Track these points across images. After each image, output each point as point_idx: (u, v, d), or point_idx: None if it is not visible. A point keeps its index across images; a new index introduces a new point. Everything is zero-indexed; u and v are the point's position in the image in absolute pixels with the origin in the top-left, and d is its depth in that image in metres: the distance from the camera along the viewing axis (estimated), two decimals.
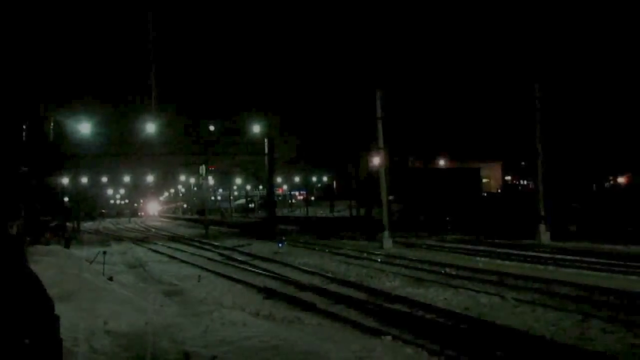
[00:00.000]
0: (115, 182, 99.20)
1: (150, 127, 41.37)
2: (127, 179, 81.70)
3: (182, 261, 25.75)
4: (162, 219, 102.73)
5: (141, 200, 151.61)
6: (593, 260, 19.81)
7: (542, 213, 29.40)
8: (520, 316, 11.68)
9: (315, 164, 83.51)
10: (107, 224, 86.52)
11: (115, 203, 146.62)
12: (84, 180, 66.83)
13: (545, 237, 28.61)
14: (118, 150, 48.18)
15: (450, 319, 11.33)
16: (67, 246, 27.70)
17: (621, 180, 58.55)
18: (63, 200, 51.04)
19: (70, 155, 45.52)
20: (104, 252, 20.35)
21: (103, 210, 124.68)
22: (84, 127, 36.04)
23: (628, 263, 18.62)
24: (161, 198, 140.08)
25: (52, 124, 37.05)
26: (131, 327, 9.98)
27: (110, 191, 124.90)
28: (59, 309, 11.16)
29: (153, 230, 61.42)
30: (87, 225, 73.43)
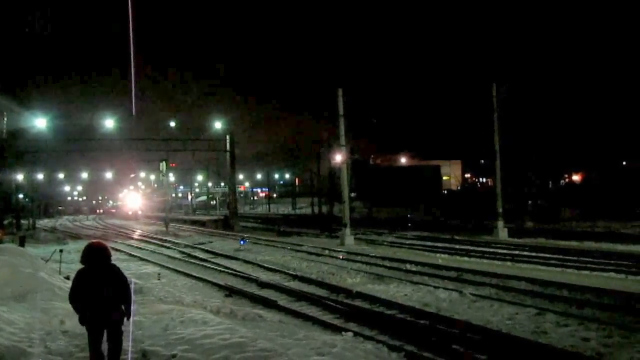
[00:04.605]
0: (72, 179, 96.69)
1: (109, 123, 40.59)
2: (84, 175, 79.74)
3: (142, 259, 25.35)
4: (124, 216, 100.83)
5: (100, 198, 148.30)
6: (548, 255, 20.42)
7: (500, 210, 30.04)
8: (478, 311, 11.92)
9: (277, 161, 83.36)
10: (65, 221, 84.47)
11: (73, 199, 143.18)
12: (40, 176, 65.08)
13: (503, 233, 29.25)
14: (76, 145, 46.96)
15: (410, 314, 11.50)
16: (21, 244, 26.91)
17: (576, 178, 60.27)
18: (17, 197, 49.68)
19: (25, 151, 44.24)
20: (61, 250, 19.92)
21: (60, 207, 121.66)
22: (40, 122, 35.05)
23: (581, 258, 19.28)
24: (120, 195, 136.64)
25: (5, 119, 35.99)
26: None
27: (67, 188, 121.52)
28: (14, 308, 10.82)
29: (112, 227, 60.29)
30: (43, 222, 71.51)
